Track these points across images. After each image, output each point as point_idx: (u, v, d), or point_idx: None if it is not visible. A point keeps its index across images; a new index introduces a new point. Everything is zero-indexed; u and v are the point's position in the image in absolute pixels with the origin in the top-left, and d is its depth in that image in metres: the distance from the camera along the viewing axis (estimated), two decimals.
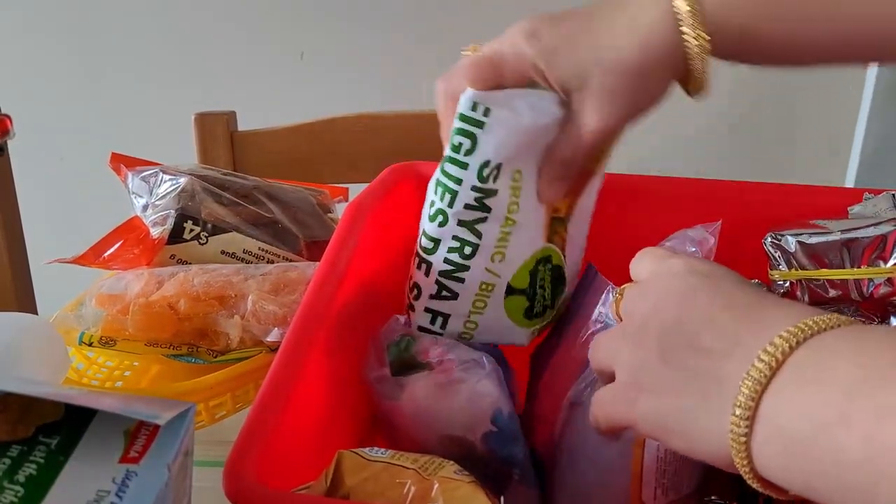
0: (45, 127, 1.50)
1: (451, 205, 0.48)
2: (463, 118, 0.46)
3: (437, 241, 0.49)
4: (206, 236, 0.64)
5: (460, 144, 0.47)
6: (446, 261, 0.49)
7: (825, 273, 0.46)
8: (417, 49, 1.56)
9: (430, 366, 0.46)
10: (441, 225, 0.49)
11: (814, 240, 0.47)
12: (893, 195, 0.49)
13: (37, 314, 0.91)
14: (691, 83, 0.41)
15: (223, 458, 0.35)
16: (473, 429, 0.45)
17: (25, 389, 0.32)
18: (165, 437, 0.33)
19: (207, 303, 0.56)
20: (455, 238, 0.49)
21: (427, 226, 0.50)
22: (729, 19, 0.39)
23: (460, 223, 0.48)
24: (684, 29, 0.39)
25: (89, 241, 0.64)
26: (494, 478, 0.44)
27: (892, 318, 0.46)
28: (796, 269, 0.47)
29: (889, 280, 0.45)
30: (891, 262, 0.45)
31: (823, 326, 0.30)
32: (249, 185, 0.69)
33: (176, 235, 0.63)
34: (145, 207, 0.66)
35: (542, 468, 0.48)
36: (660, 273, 0.36)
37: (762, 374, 0.29)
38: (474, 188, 0.47)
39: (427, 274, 0.49)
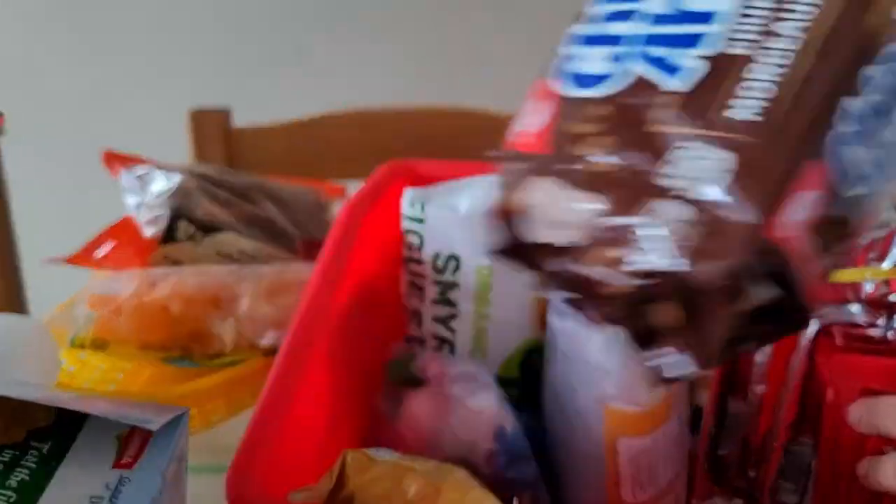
0: (37, 124, 1.49)
1: (421, 302, 0.50)
2: (408, 218, 0.49)
3: (421, 342, 0.51)
4: (200, 236, 0.63)
5: (412, 242, 0.49)
6: None
7: None
8: (415, 46, 1.56)
9: (428, 381, 0.45)
10: (419, 325, 0.50)
11: None
12: None
13: (28, 315, 0.90)
14: None
15: (218, 464, 0.34)
16: (474, 448, 0.43)
17: (16, 393, 0.32)
18: (159, 443, 0.33)
19: (201, 304, 0.55)
20: (435, 337, 0.50)
21: (411, 328, 0.51)
22: None
23: (435, 319, 0.50)
24: None
25: (82, 240, 0.63)
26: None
27: None
28: None
29: (886, 282, 0.45)
30: (885, 264, 0.45)
31: None
32: (245, 183, 0.69)
33: (170, 235, 0.63)
34: (139, 206, 0.65)
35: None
36: None
37: None
38: (435, 282, 0.49)
39: (436, 352, 0.51)
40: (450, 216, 0.47)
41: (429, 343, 0.50)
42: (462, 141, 1.05)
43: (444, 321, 0.49)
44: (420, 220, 0.48)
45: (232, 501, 0.33)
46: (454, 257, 0.48)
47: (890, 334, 0.44)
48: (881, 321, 0.45)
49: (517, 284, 0.48)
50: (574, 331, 0.43)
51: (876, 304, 0.45)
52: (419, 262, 0.49)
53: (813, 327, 0.46)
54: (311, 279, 0.46)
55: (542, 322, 0.50)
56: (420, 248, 0.48)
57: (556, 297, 0.44)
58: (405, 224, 0.49)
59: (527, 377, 0.51)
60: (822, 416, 0.44)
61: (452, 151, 1.05)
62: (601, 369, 0.41)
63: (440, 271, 0.48)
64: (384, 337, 0.52)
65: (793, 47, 0.31)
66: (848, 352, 0.44)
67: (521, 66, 1.74)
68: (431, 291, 0.49)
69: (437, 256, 0.48)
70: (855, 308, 0.46)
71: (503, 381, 0.50)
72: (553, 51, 0.41)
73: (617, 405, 0.41)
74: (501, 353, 0.50)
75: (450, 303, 0.49)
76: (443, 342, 0.50)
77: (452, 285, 0.48)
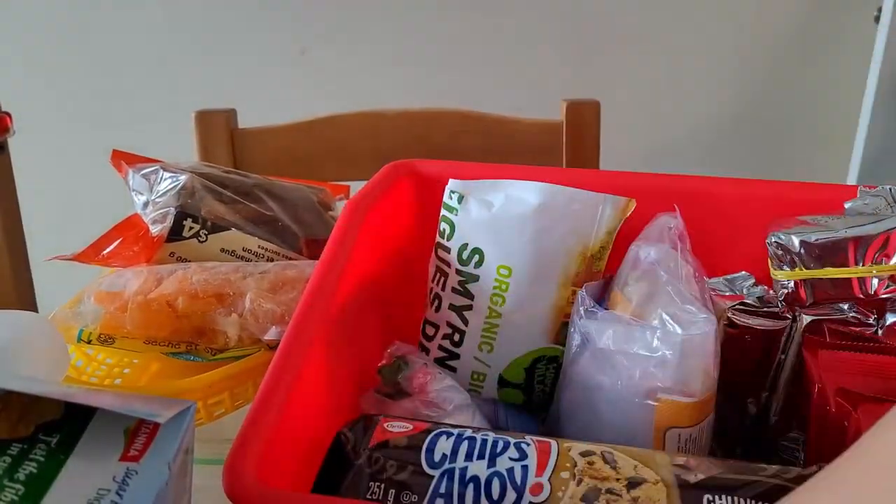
0: (45, 124, 1.50)
1: (443, 288, 0.51)
2: (444, 206, 0.50)
3: (436, 327, 0.51)
4: (205, 234, 0.64)
5: (444, 230, 0.50)
6: (440, 348, 0.51)
7: (829, 272, 0.46)
8: (418, 46, 1.56)
9: (411, 394, 0.46)
10: (437, 310, 0.51)
11: (816, 237, 0.47)
12: (891, 189, 0.49)
13: (37, 311, 0.91)
14: None
15: (222, 456, 0.35)
16: None
17: (26, 387, 0.32)
18: (166, 436, 0.33)
19: (206, 301, 0.56)
20: (448, 325, 0.51)
21: (428, 312, 0.52)
22: None
23: (451, 307, 0.50)
24: None
25: (89, 238, 0.64)
26: None
27: (889, 315, 0.46)
28: (800, 269, 0.47)
29: (893, 277, 0.45)
30: (894, 260, 0.45)
31: None
32: (250, 182, 0.69)
33: (175, 233, 0.63)
34: (146, 205, 0.66)
35: None
36: None
37: None
38: (458, 271, 0.50)
39: (426, 363, 0.50)
40: (482, 212, 0.48)
41: (442, 330, 0.51)
42: (462, 142, 1.06)
43: (459, 311, 0.50)
44: (455, 211, 0.49)
45: (229, 491, 0.33)
46: (478, 251, 0.48)
47: (880, 332, 0.45)
48: (872, 319, 0.45)
49: (535, 294, 0.49)
50: (621, 328, 0.43)
51: (866, 303, 0.46)
52: (447, 249, 0.50)
53: (804, 324, 0.47)
54: (312, 277, 0.47)
55: (556, 336, 0.50)
56: (450, 236, 0.49)
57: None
58: (442, 212, 0.50)
59: (528, 383, 0.52)
60: (809, 412, 0.44)
61: (452, 152, 1.06)
62: (656, 362, 0.41)
63: (464, 262, 0.49)
64: (383, 334, 0.52)
65: None
66: (834, 348, 0.44)
67: (520, 69, 1.75)
68: (453, 279, 0.50)
69: (463, 247, 0.49)
70: (846, 306, 0.46)
71: (507, 384, 0.51)
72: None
73: (670, 397, 0.41)
74: (509, 355, 0.51)
75: (468, 294, 0.49)
76: (454, 331, 0.50)
77: (474, 277, 0.49)
